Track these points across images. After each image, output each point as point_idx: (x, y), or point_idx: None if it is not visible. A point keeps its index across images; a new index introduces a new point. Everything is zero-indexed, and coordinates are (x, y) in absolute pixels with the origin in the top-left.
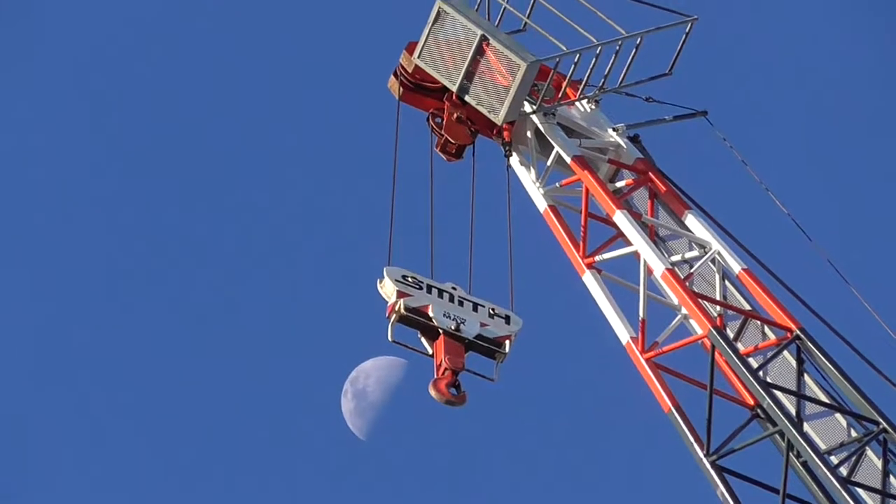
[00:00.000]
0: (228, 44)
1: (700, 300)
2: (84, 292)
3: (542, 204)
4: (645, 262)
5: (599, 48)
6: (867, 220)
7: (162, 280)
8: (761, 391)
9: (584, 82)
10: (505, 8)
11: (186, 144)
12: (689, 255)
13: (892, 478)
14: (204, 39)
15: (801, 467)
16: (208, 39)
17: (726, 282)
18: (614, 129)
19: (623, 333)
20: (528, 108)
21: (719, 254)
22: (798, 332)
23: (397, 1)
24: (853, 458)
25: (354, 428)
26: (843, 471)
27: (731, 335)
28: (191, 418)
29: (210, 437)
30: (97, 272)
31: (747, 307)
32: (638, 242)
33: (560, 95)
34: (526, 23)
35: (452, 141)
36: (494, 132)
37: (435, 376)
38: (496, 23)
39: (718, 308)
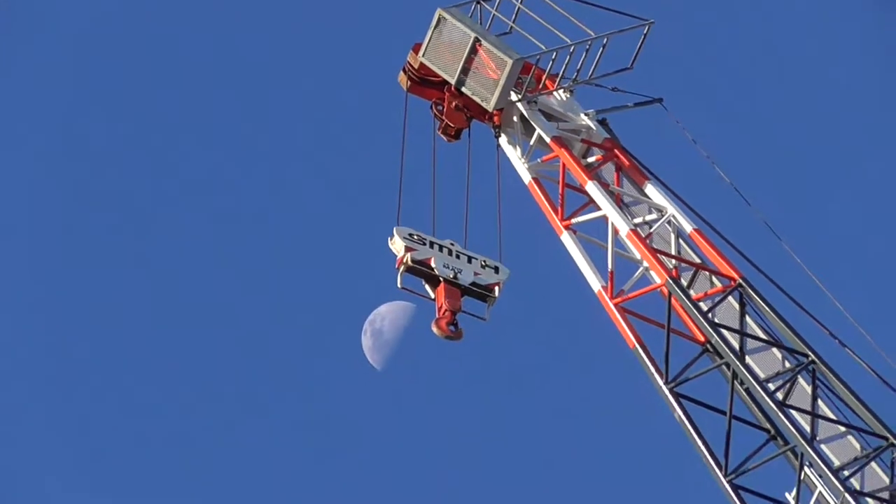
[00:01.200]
0: (254, 45)
1: (658, 255)
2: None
3: (526, 176)
4: (612, 223)
5: (573, 47)
6: (797, 187)
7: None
8: (710, 329)
9: (560, 75)
10: (494, 15)
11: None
12: (648, 217)
13: (819, 401)
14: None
15: (744, 393)
16: (216, 37)
17: (680, 240)
18: (586, 114)
19: (595, 283)
20: (514, 97)
21: (674, 217)
22: (740, 281)
23: (404, 9)
24: (787, 385)
25: (373, 361)
26: (780, 395)
27: (684, 284)
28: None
29: (247, 366)
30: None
31: (697, 261)
32: (606, 208)
33: (540, 86)
34: (511, 27)
35: (452, 125)
36: (486, 117)
37: (437, 316)
38: (487, 27)
39: (673, 261)
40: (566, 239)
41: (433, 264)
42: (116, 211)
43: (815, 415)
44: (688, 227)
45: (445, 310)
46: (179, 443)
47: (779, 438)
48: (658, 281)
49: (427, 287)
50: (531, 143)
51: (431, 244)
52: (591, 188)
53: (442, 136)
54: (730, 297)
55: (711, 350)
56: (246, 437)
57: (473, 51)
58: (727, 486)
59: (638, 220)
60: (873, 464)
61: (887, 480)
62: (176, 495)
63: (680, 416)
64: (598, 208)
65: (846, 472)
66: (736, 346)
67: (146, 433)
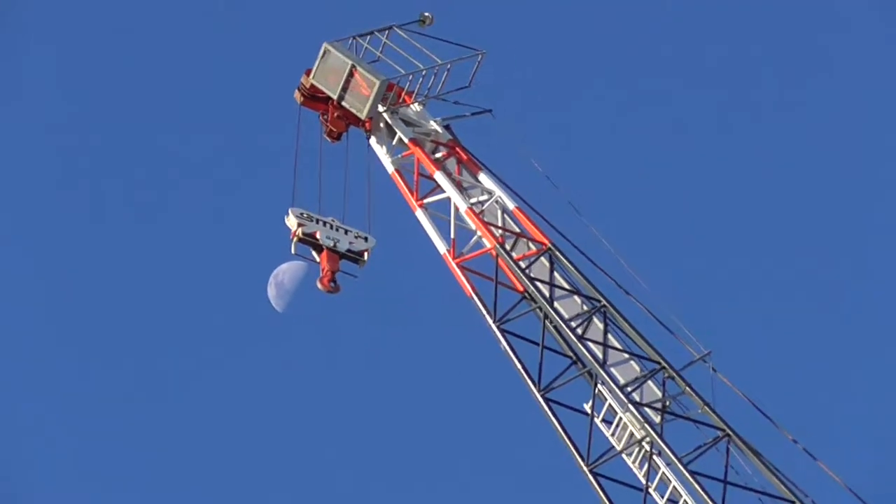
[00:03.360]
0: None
1: (488, 226)
2: None
3: (390, 168)
4: (454, 203)
5: (424, 71)
6: (597, 172)
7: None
8: (527, 281)
9: (415, 92)
10: (366, 48)
11: None
12: (481, 198)
13: (609, 335)
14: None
15: (553, 330)
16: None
17: (504, 215)
18: (434, 121)
19: (441, 247)
20: (381, 108)
21: (500, 198)
22: (550, 246)
23: (297, 42)
24: (585, 323)
25: (276, 306)
26: (579, 331)
27: (508, 248)
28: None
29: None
30: None
31: (517, 230)
32: (449, 191)
33: (400, 101)
34: (379, 56)
35: (334, 129)
36: (360, 124)
37: (320, 275)
38: (361, 56)
39: (500, 231)
40: (420, 215)
41: (318, 236)
42: None
43: (605, 345)
44: (510, 205)
45: (327, 270)
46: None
47: (579, 363)
48: (488, 245)
49: (314, 253)
50: (393, 142)
51: (317, 220)
52: (439, 176)
53: (326, 138)
54: (542, 258)
55: (528, 297)
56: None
57: (350, 74)
58: (541, 399)
59: (473, 200)
60: (650, 382)
61: (660, 394)
62: None
63: (504, 347)
64: (444, 191)
65: (629, 388)
66: (546, 294)
67: None
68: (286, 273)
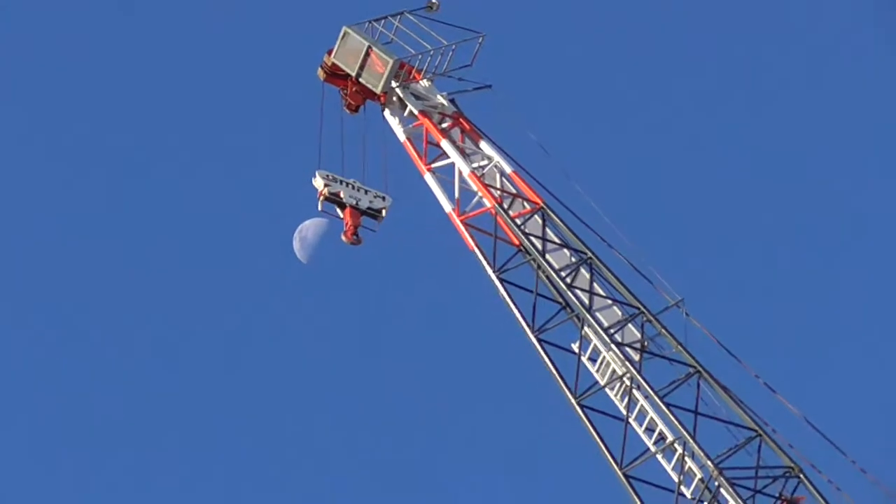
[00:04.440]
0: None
1: (489, 188)
2: None
3: (402, 137)
4: (458, 168)
5: (432, 51)
6: (584, 141)
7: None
8: (522, 235)
9: (424, 70)
10: (381, 31)
11: None
12: (482, 163)
13: (595, 284)
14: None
15: (546, 280)
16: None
17: (503, 178)
18: (441, 95)
19: (447, 206)
20: (394, 84)
21: (498, 163)
22: (542, 205)
23: (327, 25)
24: (573, 273)
25: (300, 257)
26: (568, 280)
27: (506, 206)
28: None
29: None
30: None
31: (514, 191)
32: (454, 156)
33: (411, 77)
34: (392, 38)
35: (353, 103)
36: (376, 98)
37: (344, 229)
38: (376, 38)
39: (498, 192)
40: (428, 178)
41: (342, 195)
42: None
43: (591, 292)
44: (508, 169)
45: (350, 225)
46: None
47: (568, 308)
48: (488, 205)
49: (338, 210)
50: (405, 114)
51: (341, 181)
52: (445, 144)
53: (346, 110)
54: (535, 216)
55: (523, 250)
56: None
57: (367, 54)
58: (534, 340)
59: (475, 165)
60: (630, 325)
61: (639, 336)
62: None
63: (503, 294)
64: (449, 157)
65: (612, 330)
66: (539, 247)
67: None
68: (310, 228)
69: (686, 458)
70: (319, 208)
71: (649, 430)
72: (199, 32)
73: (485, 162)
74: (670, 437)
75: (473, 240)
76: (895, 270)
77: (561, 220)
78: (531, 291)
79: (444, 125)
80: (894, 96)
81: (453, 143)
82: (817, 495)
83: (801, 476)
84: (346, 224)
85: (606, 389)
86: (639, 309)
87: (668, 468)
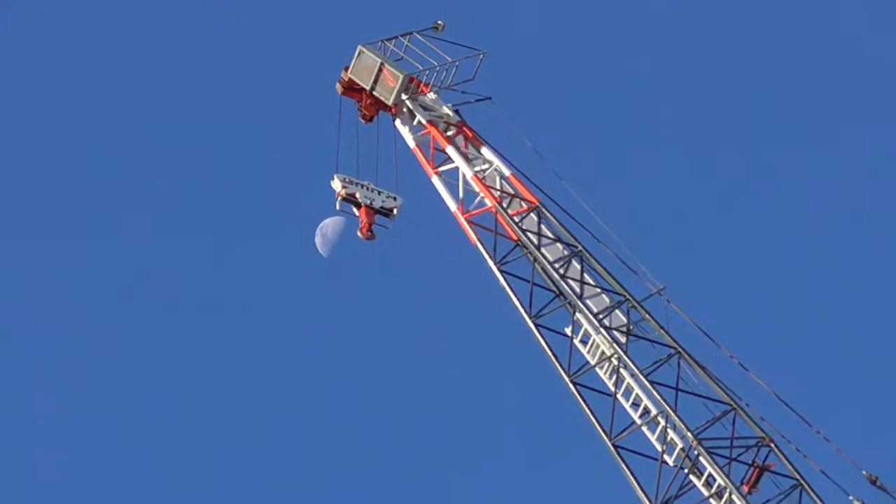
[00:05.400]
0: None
1: (490, 189)
2: None
3: (411, 144)
4: (462, 171)
5: (438, 67)
6: (576, 146)
7: None
8: (519, 231)
9: (431, 84)
10: (391, 49)
11: None
12: (483, 167)
13: (585, 275)
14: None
15: (541, 271)
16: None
17: (502, 180)
18: (446, 107)
19: (452, 205)
20: (404, 97)
21: (498, 167)
22: (538, 205)
23: (344, 44)
24: (565, 265)
25: (322, 252)
26: (561, 271)
27: (505, 206)
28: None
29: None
30: None
31: (512, 192)
32: (458, 161)
33: (419, 91)
34: (402, 56)
35: (367, 114)
36: (388, 109)
37: (360, 226)
38: (388, 55)
39: (498, 192)
40: (435, 180)
41: (357, 196)
42: None
43: (581, 282)
44: (506, 172)
45: (365, 222)
46: None
47: (561, 296)
48: (489, 204)
49: (354, 209)
50: (414, 123)
51: (356, 183)
52: (450, 150)
53: (361, 120)
54: (531, 214)
55: (521, 245)
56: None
57: (380, 70)
58: (531, 324)
59: (477, 168)
60: (617, 311)
61: (625, 320)
62: None
63: (503, 284)
64: (454, 162)
65: (601, 316)
66: (535, 241)
67: None
68: (330, 225)
69: (668, 430)
70: (337, 207)
71: (635, 405)
72: (238, 58)
73: (486, 166)
74: (654, 411)
75: (476, 235)
76: (859, 255)
77: (554, 218)
78: (528, 281)
79: (450, 133)
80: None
81: (458, 149)
82: (786, 462)
83: (772, 445)
84: (362, 222)
85: (596, 369)
86: (624, 296)
87: (653, 439)
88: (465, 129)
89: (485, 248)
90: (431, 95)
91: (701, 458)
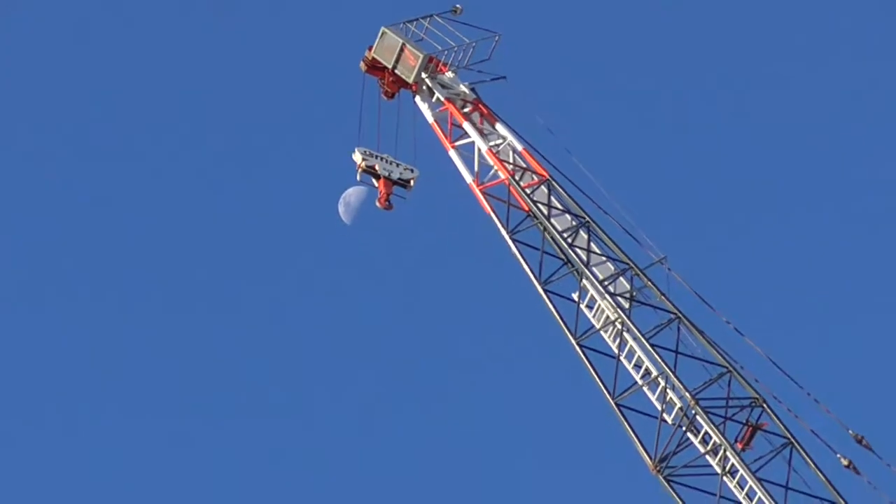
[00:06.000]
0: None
1: (503, 162)
2: None
3: (430, 119)
4: (477, 145)
5: (456, 48)
6: (584, 123)
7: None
8: (531, 202)
9: (449, 63)
10: (413, 30)
11: None
12: (498, 142)
13: (592, 244)
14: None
15: (550, 240)
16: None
17: (515, 154)
18: (464, 85)
19: (468, 177)
20: (424, 75)
21: (511, 142)
22: (548, 178)
23: (368, 25)
24: (573, 234)
25: (345, 219)
26: (569, 240)
27: (517, 178)
28: None
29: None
30: None
31: (524, 166)
32: (474, 136)
33: (438, 70)
34: (423, 37)
35: (389, 90)
36: (409, 87)
37: (378, 196)
38: (409, 36)
39: (511, 166)
40: (452, 154)
41: (377, 168)
42: None
43: (588, 250)
44: (519, 147)
45: (384, 193)
46: None
47: (569, 264)
48: (503, 177)
49: (373, 180)
50: (433, 100)
51: (376, 156)
52: (466, 126)
53: (384, 97)
54: (542, 186)
55: (531, 215)
56: None
57: (401, 50)
58: (541, 289)
59: (492, 143)
60: (621, 278)
61: (628, 287)
62: None
63: (515, 252)
64: (470, 137)
65: (606, 282)
66: (545, 212)
67: None
68: (352, 195)
69: (668, 390)
70: (358, 178)
71: (637, 366)
72: (269, 39)
73: (500, 141)
74: (654, 373)
75: (490, 206)
76: (852, 224)
77: (563, 190)
78: (538, 249)
79: (466, 110)
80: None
81: (473, 124)
82: (778, 421)
83: (765, 406)
84: (381, 192)
85: (601, 332)
86: (628, 265)
87: (653, 399)
88: (480, 106)
89: (498, 218)
90: (450, 74)
91: (698, 417)
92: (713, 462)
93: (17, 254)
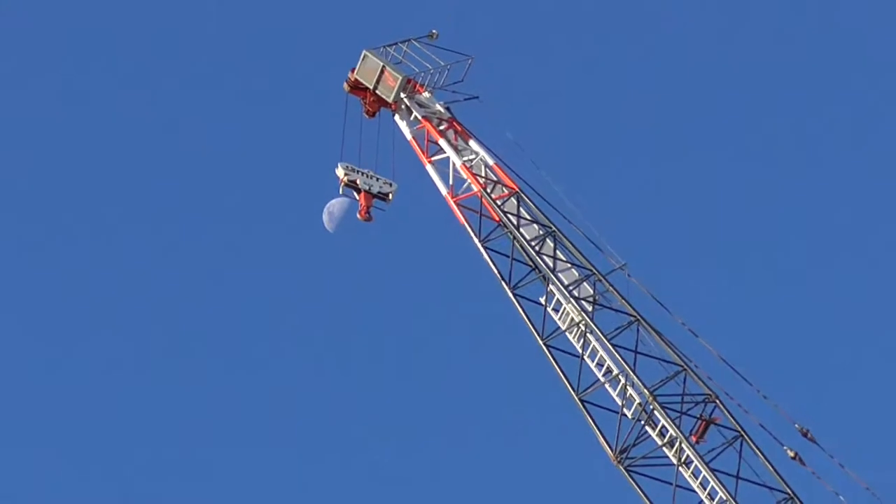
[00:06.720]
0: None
1: (476, 176)
2: None
3: (408, 136)
4: (452, 160)
5: (432, 70)
6: (551, 140)
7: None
8: (501, 213)
9: (426, 84)
10: (392, 54)
11: None
12: (471, 157)
13: (557, 251)
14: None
15: (520, 248)
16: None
17: (487, 169)
18: (439, 104)
19: (443, 189)
20: (402, 95)
21: (484, 157)
22: (517, 190)
23: (350, 49)
24: (540, 242)
25: (329, 228)
26: (536, 248)
27: (489, 191)
28: None
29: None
30: None
31: (495, 179)
32: (449, 152)
33: (416, 90)
34: (402, 60)
35: (370, 109)
36: (388, 106)
37: (359, 208)
38: (388, 59)
39: (483, 179)
40: (429, 168)
41: (358, 182)
42: None
43: (554, 257)
44: (491, 162)
45: (364, 206)
46: None
47: (536, 270)
48: (475, 189)
49: (355, 193)
50: (411, 118)
51: (357, 171)
52: (442, 142)
53: (365, 115)
54: (511, 198)
55: (502, 225)
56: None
57: (382, 72)
58: (511, 294)
59: (466, 158)
60: (584, 283)
61: (592, 291)
62: None
63: (486, 258)
64: (445, 153)
65: (570, 287)
66: (515, 222)
67: None
68: (336, 206)
69: (628, 387)
70: (340, 191)
71: (599, 364)
72: (255, 64)
73: (473, 156)
74: (615, 371)
75: (464, 216)
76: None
77: (531, 202)
78: (508, 256)
79: (442, 127)
80: None
81: (448, 141)
82: (729, 416)
83: (717, 401)
84: (361, 205)
85: (566, 333)
86: (591, 271)
87: (614, 395)
88: (454, 123)
89: (471, 227)
90: (426, 94)
91: (655, 412)
92: (670, 454)
93: (17, 254)
